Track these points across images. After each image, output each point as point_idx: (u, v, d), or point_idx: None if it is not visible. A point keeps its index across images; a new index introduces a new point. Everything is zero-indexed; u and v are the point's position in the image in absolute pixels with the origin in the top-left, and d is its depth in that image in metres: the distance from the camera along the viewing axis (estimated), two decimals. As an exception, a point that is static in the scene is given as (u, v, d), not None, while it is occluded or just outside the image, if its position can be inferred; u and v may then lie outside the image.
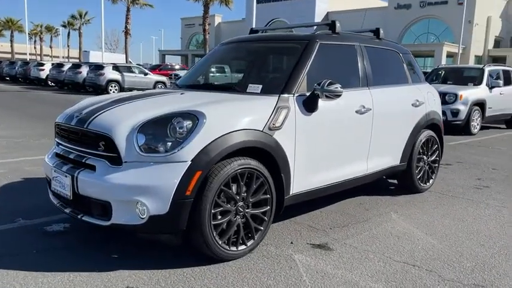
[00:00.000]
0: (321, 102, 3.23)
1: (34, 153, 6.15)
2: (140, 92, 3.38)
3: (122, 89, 20.80)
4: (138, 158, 2.58)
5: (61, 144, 3.10)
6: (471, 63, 34.06)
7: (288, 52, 3.58)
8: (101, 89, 20.50)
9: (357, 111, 3.61)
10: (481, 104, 10.03)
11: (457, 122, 9.62)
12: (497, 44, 39.08)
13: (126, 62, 30.45)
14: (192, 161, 2.55)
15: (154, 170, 2.56)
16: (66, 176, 2.80)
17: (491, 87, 10.29)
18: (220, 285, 2.51)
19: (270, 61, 3.81)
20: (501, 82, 10.53)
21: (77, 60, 40.69)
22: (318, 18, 43.88)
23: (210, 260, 2.78)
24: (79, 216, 2.81)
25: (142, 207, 2.54)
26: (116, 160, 2.63)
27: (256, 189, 2.87)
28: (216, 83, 3.61)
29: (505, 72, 11.21)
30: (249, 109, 2.94)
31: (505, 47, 39.03)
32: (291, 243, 3.16)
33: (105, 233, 3.22)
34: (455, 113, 9.58)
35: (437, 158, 4.76)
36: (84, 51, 42.90)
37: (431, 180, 4.68)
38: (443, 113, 7.08)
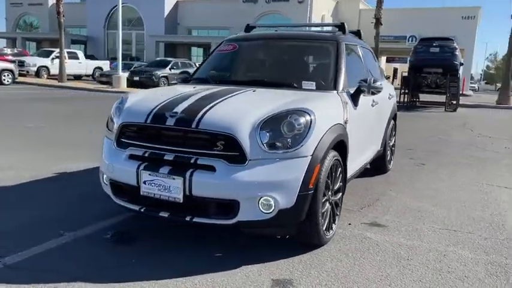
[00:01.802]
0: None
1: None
2: (210, 89, 3.28)
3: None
4: (263, 155, 2.63)
5: (139, 146, 2.87)
6: (311, 56, 37.94)
7: (322, 51, 3.87)
8: None
9: (371, 105, 4.12)
10: None
11: None
12: (330, 39, 44.30)
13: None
14: (311, 155, 2.72)
15: (281, 166, 2.65)
16: (173, 179, 2.66)
17: None
18: (346, 267, 2.76)
19: (306, 59, 4.01)
20: None
21: None
22: (168, 7, 43.38)
23: (306, 247, 2.99)
24: (187, 219, 2.71)
25: (269, 203, 2.62)
26: (236, 158, 2.63)
27: (337, 178, 3.16)
28: (265, 79, 3.66)
29: None
30: (333, 105, 3.20)
31: (335, 42, 44.42)
32: (349, 224, 3.53)
33: (185, 233, 3.15)
34: None
35: (395, 143, 5.61)
36: None
37: (392, 162, 5.52)
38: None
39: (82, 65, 26.02)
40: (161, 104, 2.93)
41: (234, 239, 3.10)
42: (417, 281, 2.60)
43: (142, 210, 2.86)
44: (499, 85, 61.94)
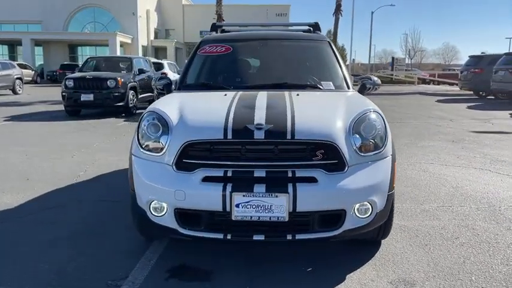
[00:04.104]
0: None
1: None
2: (254, 96, 2.95)
3: None
4: (358, 159, 2.58)
5: (215, 165, 2.49)
6: (140, 53, 36.74)
7: (318, 50, 3.86)
8: None
9: None
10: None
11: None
12: (157, 35, 43.45)
13: None
14: (391, 155, 2.78)
15: (374, 168, 2.64)
16: (276, 196, 2.39)
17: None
18: (427, 257, 2.91)
19: (311, 59, 3.87)
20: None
21: None
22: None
23: (369, 245, 3.06)
24: (288, 238, 2.48)
25: (367, 207, 2.59)
26: (335, 166, 2.52)
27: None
28: (287, 82, 3.43)
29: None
30: (372, 104, 3.25)
31: (162, 38, 43.89)
32: (372, 216, 3.68)
33: (242, 254, 2.89)
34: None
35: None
36: None
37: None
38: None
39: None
40: (231, 117, 2.58)
41: (299, 250, 2.96)
42: (487, 255, 2.92)
43: (229, 237, 2.49)
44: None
